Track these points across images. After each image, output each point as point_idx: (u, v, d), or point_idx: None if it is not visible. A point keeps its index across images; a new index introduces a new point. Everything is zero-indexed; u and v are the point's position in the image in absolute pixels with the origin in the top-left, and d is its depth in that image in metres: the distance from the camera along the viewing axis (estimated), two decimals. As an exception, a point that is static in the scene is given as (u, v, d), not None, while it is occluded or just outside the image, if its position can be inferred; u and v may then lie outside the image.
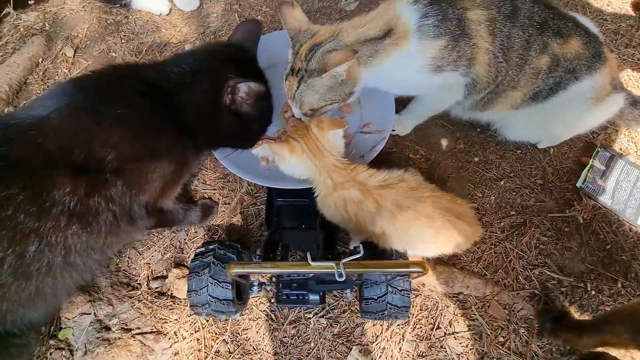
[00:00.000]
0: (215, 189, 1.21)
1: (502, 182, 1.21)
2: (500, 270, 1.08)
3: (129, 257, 1.11)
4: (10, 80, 1.36)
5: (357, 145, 1.05)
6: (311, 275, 0.81)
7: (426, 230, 0.82)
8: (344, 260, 0.63)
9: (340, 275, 0.62)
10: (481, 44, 0.92)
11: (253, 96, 0.86)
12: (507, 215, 1.16)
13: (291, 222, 1.02)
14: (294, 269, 0.65)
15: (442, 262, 1.07)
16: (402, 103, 1.20)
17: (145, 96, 0.78)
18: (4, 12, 1.50)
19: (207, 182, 1.22)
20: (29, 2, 1.55)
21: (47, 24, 1.53)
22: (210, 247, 0.93)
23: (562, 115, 1.08)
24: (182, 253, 1.12)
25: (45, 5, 1.58)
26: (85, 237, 0.74)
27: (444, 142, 1.28)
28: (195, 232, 1.15)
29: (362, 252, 0.65)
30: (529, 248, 1.11)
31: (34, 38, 1.47)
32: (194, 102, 0.83)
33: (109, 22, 1.54)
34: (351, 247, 0.98)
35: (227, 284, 0.87)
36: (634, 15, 1.57)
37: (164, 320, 1.03)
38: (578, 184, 1.18)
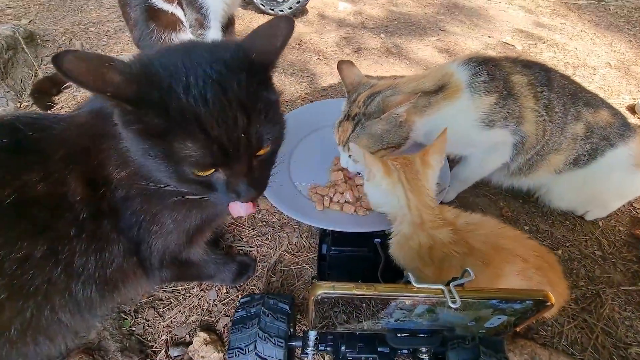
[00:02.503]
0: (253, 246, 1.11)
1: (559, 251, 1.14)
2: (589, 349, 0.91)
3: (145, 319, 0.93)
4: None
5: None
6: (388, 326, 0.66)
7: (520, 276, 0.71)
8: (454, 283, 0.53)
9: (454, 301, 0.50)
10: (527, 104, 0.99)
11: None
12: (576, 285, 1.05)
13: (347, 276, 0.90)
14: (395, 292, 0.53)
15: (521, 336, 0.91)
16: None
17: None
18: (66, 84, 1.64)
19: (244, 239, 1.13)
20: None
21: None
22: (257, 296, 0.79)
23: (605, 181, 1.10)
24: (210, 316, 0.95)
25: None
26: (93, 264, 0.59)
27: (490, 210, 1.25)
28: (227, 292, 1.00)
29: (473, 275, 0.55)
30: (614, 323, 0.96)
31: (88, 105, 1.57)
32: None
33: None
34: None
35: (280, 340, 0.70)
36: (632, 116, 1.77)
37: (179, 403, 0.79)
38: (641, 255, 1.11)
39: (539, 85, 1.01)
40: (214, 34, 1.52)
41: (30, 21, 2.22)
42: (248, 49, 0.52)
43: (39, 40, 1.95)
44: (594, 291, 1.04)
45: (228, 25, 1.63)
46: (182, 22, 1.50)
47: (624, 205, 1.27)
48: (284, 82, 1.82)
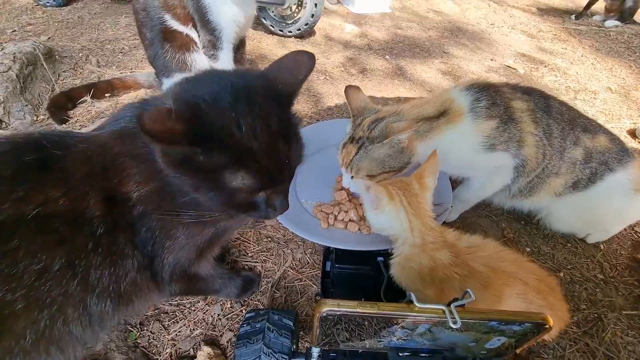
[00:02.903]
0: (258, 262, 1.13)
1: (561, 274, 1.15)
2: (591, 374, 0.91)
3: (151, 331, 0.95)
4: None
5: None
6: (390, 345, 0.68)
7: (520, 299, 0.73)
8: (455, 304, 0.54)
9: (455, 321, 0.52)
10: (527, 128, 1.03)
11: None
12: (578, 308, 1.05)
13: (350, 293, 0.91)
14: (397, 311, 0.55)
15: (522, 358, 0.91)
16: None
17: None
18: (82, 99, 1.70)
19: (249, 254, 1.15)
20: (106, 95, 1.78)
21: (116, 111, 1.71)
22: (262, 312, 0.81)
23: (605, 205, 1.12)
24: (214, 330, 0.96)
25: (118, 98, 1.80)
26: (108, 278, 0.62)
27: (492, 231, 1.27)
28: (231, 307, 1.01)
29: (473, 296, 0.57)
30: (616, 348, 0.96)
31: (102, 120, 1.62)
32: None
33: (171, 113, 1.73)
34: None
35: (284, 356, 0.72)
36: (632, 141, 1.80)
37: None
38: (643, 280, 1.12)
39: (539, 111, 1.04)
40: (225, 54, 1.59)
41: (49, 38, 2.32)
42: (275, 80, 0.57)
43: (57, 57, 2.03)
44: (595, 315, 1.04)
45: (239, 46, 1.70)
46: (195, 43, 1.57)
47: (625, 229, 1.28)
48: (291, 101, 1.87)
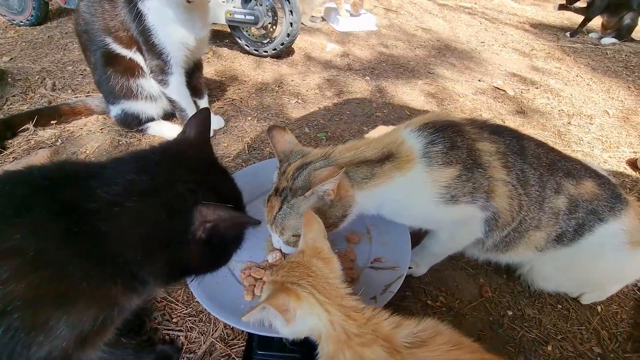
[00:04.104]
0: (182, 330, 0.94)
1: (549, 347, 0.95)
2: None
3: None
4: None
5: (366, 285, 0.85)
6: None
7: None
8: None
9: None
10: (497, 175, 0.85)
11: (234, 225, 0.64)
12: (569, 397, 0.85)
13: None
14: None
15: None
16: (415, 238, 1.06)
17: (60, 218, 0.55)
18: (23, 127, 1.56)
19: (174, 319, 0.96)
20: (52, 122, 1.63)
21: (59, 140, 1.56)
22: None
23: (596, 261, 0.94)
24: None
25: (66, 126, 1.65)
26: None
27: (467, 288, 1.08)
28: (138, 393, 0.82)
29: None
30: None
31: (39, 150, 1.47)
32: (137, 230, 0.58)
33: (121, 142, 1.58)
34: None
35: None
36: (633, 172, 1.61)
37: None
38: (649, 357, 0.92)
39: (511, 154, 0.87)
40: (176, 79, 1.44)
41: (11, 58, 2.20)
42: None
43: (9, 79, 1.90)
44: (591, 406, 0.84)
45: (195, 69, 1.56)
46: (141, 67, 1.43)
47: (626, 286, 1.09)
48: (255, 127, 1.71)
